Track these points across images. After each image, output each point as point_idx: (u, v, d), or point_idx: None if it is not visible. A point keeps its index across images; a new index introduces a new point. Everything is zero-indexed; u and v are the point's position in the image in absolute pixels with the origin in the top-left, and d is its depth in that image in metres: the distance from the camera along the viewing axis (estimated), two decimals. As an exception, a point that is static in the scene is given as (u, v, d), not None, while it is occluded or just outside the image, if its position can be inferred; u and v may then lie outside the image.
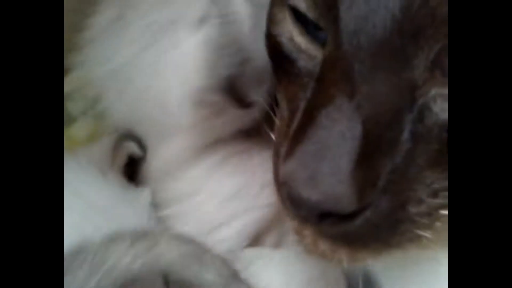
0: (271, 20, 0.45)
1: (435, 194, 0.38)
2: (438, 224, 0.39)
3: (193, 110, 0.47)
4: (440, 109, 0.37)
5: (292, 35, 0.43)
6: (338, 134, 0.36)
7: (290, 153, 0.37)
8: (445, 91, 0.37)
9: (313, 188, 0.35)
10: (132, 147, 0.49)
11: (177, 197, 0.50)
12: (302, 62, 0.42)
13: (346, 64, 0.37)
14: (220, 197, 0.50)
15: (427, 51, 0.37)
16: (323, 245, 0.40)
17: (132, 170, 0.50)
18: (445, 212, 0.38)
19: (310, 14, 0.41)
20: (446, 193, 0.38)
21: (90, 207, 0.45)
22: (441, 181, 0.38)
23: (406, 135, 0.37)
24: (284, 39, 0.44)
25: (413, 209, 0.38)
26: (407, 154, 0.37)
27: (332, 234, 0.39)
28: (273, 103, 0.48)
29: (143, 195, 0.48)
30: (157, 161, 0.50)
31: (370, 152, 0.36)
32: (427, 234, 0.38)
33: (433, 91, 0.38)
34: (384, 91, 0.37)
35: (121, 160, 0.50)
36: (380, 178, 0.36)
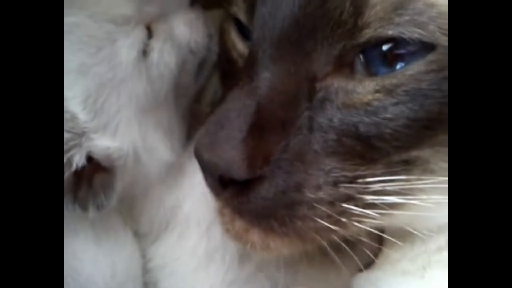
0: (221, 32, 0.53)
1: (335, 183, 0.41)
2: (343, 219, 0.41)
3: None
4: (341, 103, 0.41)
5: (235, 42, 0.51)
6: (236, 109, 0.42)
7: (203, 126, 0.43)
8: (350, 86, 0.41)
9: (212, 152, 0.41)
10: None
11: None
12: (240, 63, 0.49)
13: (253, 54, 0.44)
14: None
15: (327, 47, 0.41)
16: (238, 223, 0.44)
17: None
18: (349, 206, 0.41)
19: (245, 21, 0.48)
20: (348, 185, 0.41)
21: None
22: (339, 171, 0.41)
23: (303, 120, 0.42)
24: (229, 46, 0.51)
25: (310, 194, 0.41)
26: (303, 138, 0.41)
27: (239, 208, 0.43)
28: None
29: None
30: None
31: (262, 127, 0.41)
32: (331, 225, 0.41)
33: (336, 85, 0.42)
34: (281, 77, 0.42)
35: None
36: (272, 153, 0.41)
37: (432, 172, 0.42)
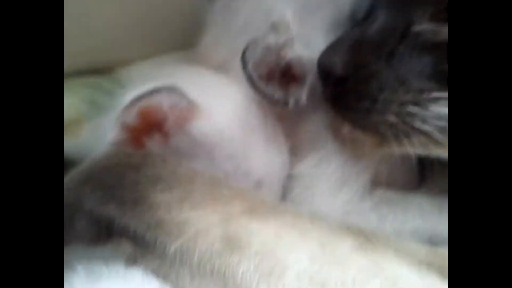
0: None
1: (407, 91, 0.55)
2: (408, 119, 0.55)
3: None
4: (426, 40, 0.56)
5: None
6: (349, 35, 0.62)
7: None
8: (437, 29, 0.55)
9: (324, 57, 0.61)
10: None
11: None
12: None
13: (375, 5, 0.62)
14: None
15: (423, 10, 0.57)
16: (337, 121, 0.62)
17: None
18: (414, 108, 0.54)
19: None
20: (418, 94, 0.54)
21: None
22: (410, 84, 0.55)
23: (394, 48, 0.57)
24: None
25: (387, 95, 0.56)
26: (391, 59, 0.57)
27: (334, 102, 0.60)
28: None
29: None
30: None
31: (361, 47, 0.59)
32: (396, 122, 0.55)
33: (427, 28, 0.56)
34: (387, 21, 0.59)
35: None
36: (364, 64, 0.58)
37: None
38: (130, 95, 0.61)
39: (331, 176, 0.69)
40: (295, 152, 0.71)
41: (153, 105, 0.60)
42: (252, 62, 0.63)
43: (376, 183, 0.70)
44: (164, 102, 0.60)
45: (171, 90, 0.60)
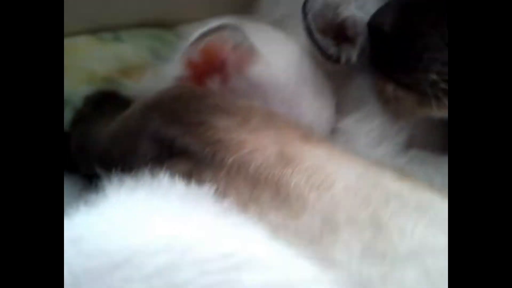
0: None
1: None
2: (442, 85, 0.58)
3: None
4: None
5: None
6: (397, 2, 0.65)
7: None
8: None
9: (377, 17, 0.65)
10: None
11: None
12: None
13: None
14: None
15: None
16: (381, 82, 0.66)
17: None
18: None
19: None
20: None
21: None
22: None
23: (444, 11, 0.59)
24: None
25: (430, 54, 0.59)
26: (441, 24, 0.59)
27: (378, 62, 0.65)
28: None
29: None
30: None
31: (407, 12, 0.62)
32: (435, 78, 0.58)
33: None
34: None
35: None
36: (410, 27, 0.61)
37: None
38: (196, 32, 0.67)
39: (371, 133, 0.73)
40: (340, 108, 0.76)
41: (217, 43, 0.66)
42: (312, 14, 0.68)
43: (411, 144, 0.73)
44: (227, 40, 0.66)
45: (236, 28, 0.66)
